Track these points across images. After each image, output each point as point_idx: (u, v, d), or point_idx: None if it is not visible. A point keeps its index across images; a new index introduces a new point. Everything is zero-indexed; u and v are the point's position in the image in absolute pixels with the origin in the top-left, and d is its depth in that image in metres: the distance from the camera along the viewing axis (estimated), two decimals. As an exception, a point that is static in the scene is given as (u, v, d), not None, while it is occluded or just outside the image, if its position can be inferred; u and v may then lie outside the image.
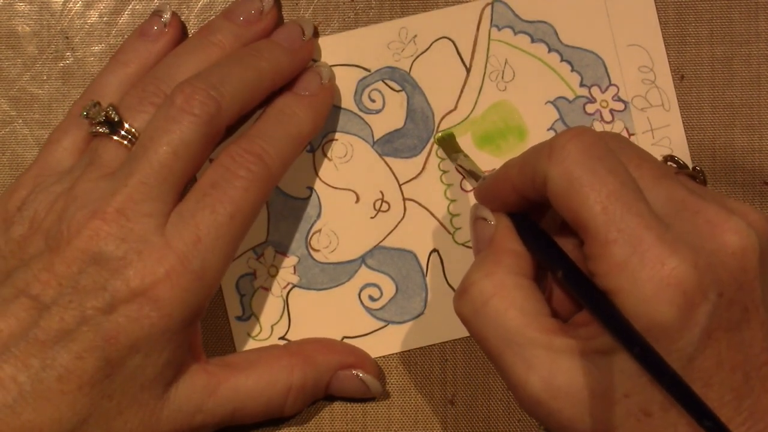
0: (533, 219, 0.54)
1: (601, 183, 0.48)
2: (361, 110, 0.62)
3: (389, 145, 0.61)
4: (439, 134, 0.61)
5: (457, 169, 0.61)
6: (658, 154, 0.60)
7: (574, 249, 0.52)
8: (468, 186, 0.61)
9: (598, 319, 0.48)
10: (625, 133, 0.61)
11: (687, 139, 0.61)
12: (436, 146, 0.61)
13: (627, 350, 0.47)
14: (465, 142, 0.61)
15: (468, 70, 0.62)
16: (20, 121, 0.62)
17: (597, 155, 0.49)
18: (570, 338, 0.49)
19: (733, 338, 0.48)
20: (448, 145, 0.61)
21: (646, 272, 0.47)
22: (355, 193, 0.61)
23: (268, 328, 0.61)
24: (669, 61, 0.61)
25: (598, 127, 0.61)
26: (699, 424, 0.45)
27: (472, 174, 0.59)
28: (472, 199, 0.61)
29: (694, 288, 0.47)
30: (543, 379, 0.49)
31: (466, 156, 0.61)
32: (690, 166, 0.60)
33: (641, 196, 0.49)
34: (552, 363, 0.49)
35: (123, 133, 0.55)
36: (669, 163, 0.58)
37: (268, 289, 0.61)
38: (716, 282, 0.47)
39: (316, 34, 0.61)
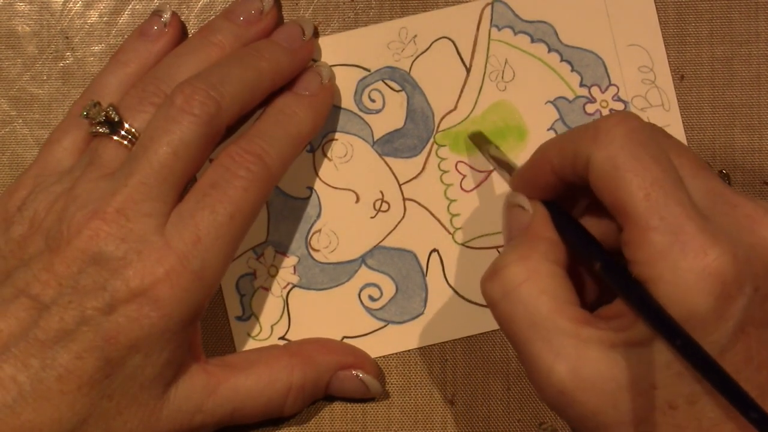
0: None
1: (645, 169, 0.48)
2: (361, 110, 0.62)
3: (389, 145, 0.61)
4: (468, 135, 0.61)
5: (489, 161, 0.61)
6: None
7: (603, 238, 0.52)
8: (468, 186, 0.61)
9: (636, 310, 0.48)
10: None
11: (687, 139, 0.61)
12: (436, 146, 0.61)
13: (667, 342, 0.47)
14: (464, 142, 0.61)
15: (468, 70, 0.62)
16: (20, 121, 0.62)
17: (641, 141, 0.49)
18: (599, 329, 0.49)
19: (763, 335, 0.48)
20: (479, 139, 0.61)
21: (687, 261, 0.47)
22: (355, 193, 0.61)
23: (268, 328, 0.61)
24: (669, 61, 0.61)
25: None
26: (744, 415, 0.45)
27: (504, 165, 0.59)
28: (471, 199, 0.61)
29: (732, 280, 0.47)
30: (570, 368, 0.49)
31: (497, 147, 0.60)
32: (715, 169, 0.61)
33: (683, 185, 0.49)
34: (579, 353, 0.49)
35: (123, 133, 0.55)
36: None
37: (268, 289, 0.61)
38: (753, 276, 0.48)
39: (316, 34, 0.61)
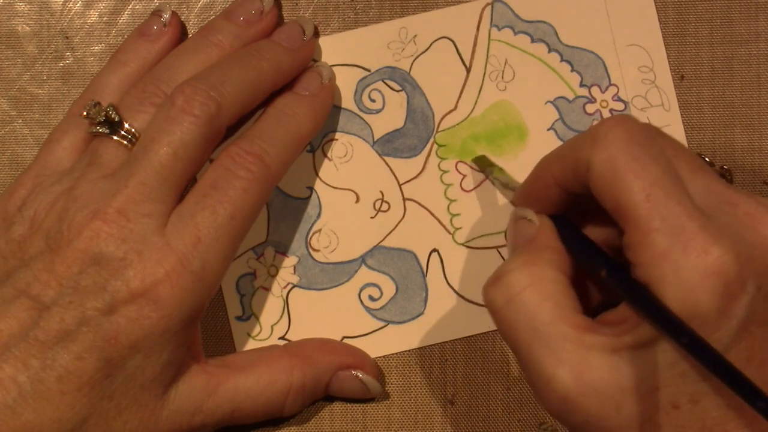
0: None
1: (644, 170, 0.48)
2: (361, 110, 0.62)
3: (389, 145, 0.61)
4: (472, 159, 0.61)
5: (494, 184, 0.61)
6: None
7: (604, 246, 0.53)
8: (468, 186, 0.61)
9: (640, 312, 0.48)
10: (625, 133, 0.61)
11: (687, 139, 0.61)
12: (436, 146, 0.61)
13: (673, 340, 0.47)
14: (464, 141, 0.61)
15: (468, 70, 0.62)
16: (20, 121, 0.62)
17: (640, 142, 0.49)
18: (601, 335, 0.49)
19: (766, 333, 0.48)
20: (483, 161, 0.61)
21: (690, 261, 0.47)
22: (355, 193, 0.61)
23: (268, 328, 0.61)
24: (669, 61, 0.61)
25: (598, 127, 0.61)
26: (753, 406, 0.45)
27: (507, 186, 0.59)
28: (471, 199, 0.61)
29: (735, 278, 0.47)
30: (572, 374, 0.49)
31: (501, 169, 0.61)
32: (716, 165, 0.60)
33: (683, 185, 0.49)
34: (582, 359, 0.49)
35: (123, 133, 0.55)
36: None
37: (268, 289, 0.61)
38: (756, 275, 0.47)
39: (316, 34, 0.61)
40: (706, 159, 0.60)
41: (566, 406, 0.49)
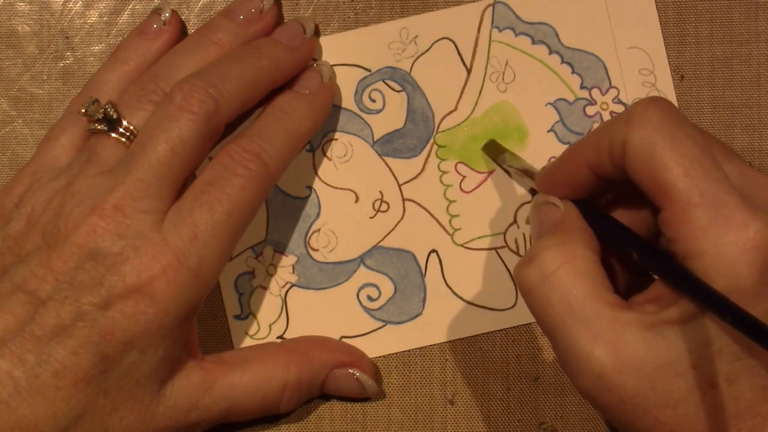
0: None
1: (683, 147, 0.49)
2: (361, 110, 0.61)
3: (389, 145, 0.61)
4: (483, 146, 0.61)
5: (507, 171, 0.61)
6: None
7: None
8: (468, 187, 0.61)
9: (681, 288, 0.48)
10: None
11: (687, 139, 0.61)
12: (436, 147, 0.61)
13: (715, 314, 0.47)
14: (464, 143, 0.61)
15: (468, 71, 0.62)
16: (20, 121, 0.62)
17: (676, 122, 0.49)
18: (636, 312, 0.49)
19: None
20: (493, 149, 0.61)
21: (730, 235, 0.47)
22: (354, 192, 0.61)
23: (266, 327, 0.61)
24: (669, 61, 0.61)
25: (599, 129, 0.61)
26: None
27: (525, 172, 0.59)
28: (471, 200, 0.61)
29: None
30: (609, 351, 0.49)
31: (513, 155, 0.60)
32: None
33: (719, 164, 0.49)
34: (618, 336, 0.49)
35: (121, 130, 0.55)
36: None
37: (266, 288, 0.61)
38: None
39: (317, 33, 0.61)
40: None
41: (601, 384, 0.49)
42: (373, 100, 0.62)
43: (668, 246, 0.49)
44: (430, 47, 0.62)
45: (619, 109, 0.61)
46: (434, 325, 0.61)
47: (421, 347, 0.61)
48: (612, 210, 0.55)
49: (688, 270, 0.48)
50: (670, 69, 0.61)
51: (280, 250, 0.61)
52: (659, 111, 0.50)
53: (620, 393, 0.49)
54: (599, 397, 0.49)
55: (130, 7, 0.62)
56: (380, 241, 0.61)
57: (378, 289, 0.61)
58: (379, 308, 0.61)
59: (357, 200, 0.61)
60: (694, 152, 0.49)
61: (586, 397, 0.50)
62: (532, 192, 0.58)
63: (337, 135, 0.62)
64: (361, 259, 0.61)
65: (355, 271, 0.61)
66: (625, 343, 0.48)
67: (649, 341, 0.48)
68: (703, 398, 0.48)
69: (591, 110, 0.61)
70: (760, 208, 0.48)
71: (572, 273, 0.50)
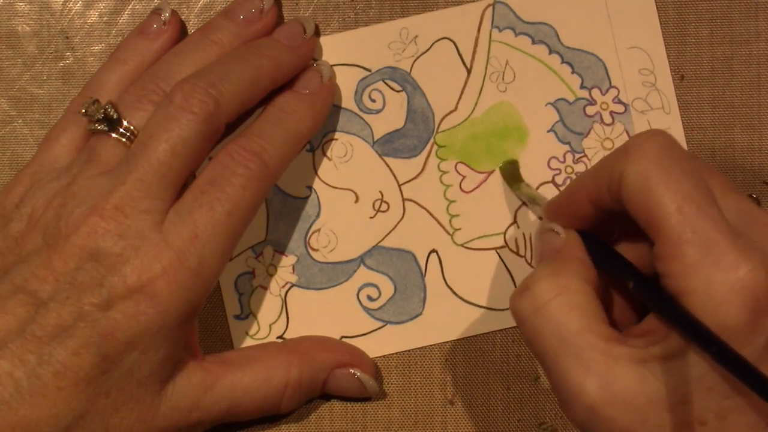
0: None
1: (677, 183, 0.48)
2: (361, 110, 0.61)
3: (389, 145, 0.61)
4: (503, 164, 0.61)
5: (519, 197, 0.61)
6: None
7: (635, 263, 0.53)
8: (468, 187, 0.61)
9: (670, 322, 0.48)
10: (625, 136, 0.61)
11: (687, 139, 0.61)
12: (436, 147, 0.61)
13: (703, 349, 0.47)
14: (464, 142, 0.61)
15: (468, 71, 0.62)
16: (20, 121, 0.62)
17: (673, 157, 0.49)
18: (629, 346, 0.49)
19: None
20: (510, 174, 0.61)
21: (721, 275, 0.47)
22: (354, 192, 0.61)
23: (266, 327, 0.61)
24: (669, 61, 0.61)
25: (598, 129, 0.61)
26: None
27: (533, 201, 0.59)
28: (471, 200, 0.61)
29: (765, 294, 0.47)
30: (600, 384, 0.48)
31: (528, 185, 0.60)
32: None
33: (714, 201, 0.49)
34: (609, 369, 0.48)
35: (121, 130, 0.55)
36: None
37: (266, 288, 0.61)
38: None
39: (317, 33, 0.61)
40: None
41: (592, 417, 0.49)
42: (373, 100, 0.62)
43: (661, 281, 0.49)
44: (430, 47, 0.62)
45: (619, 109, 0.61)
46: (434, 325, 0.61)
47: (421, 347, 0.61)
48: (618, 243, 0.55)
49: (678, 304, 0.48)
50: (670, 69, 0.61)
51: (280, 250, 0.61)
52: (656, 144, 0.49)
53: (611, 426, 0.49)
54: (591, 428, 0.49)
55: (130, 7, 0.62)
56: (380, 241, 0.61)
57: (378, 289, 0.61)
58: (379, 308, 0.61)
59: (357, 200, 0.61)
60: (688, 188, 0.48)
61: (578, 428, 0.50)
62: (541, 219, 0.58)
63: (337, 135, 0.62)
64: (361, 259, 0.61)
65: (355, 271, 0.61)
66: (617, 376, 0.48)
67: (640, 376, 0.48)
68: None
69: (591, 110, 0.61)
70: (753, 248, 0.48)
71: (565, 305, 0.50)
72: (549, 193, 0.61)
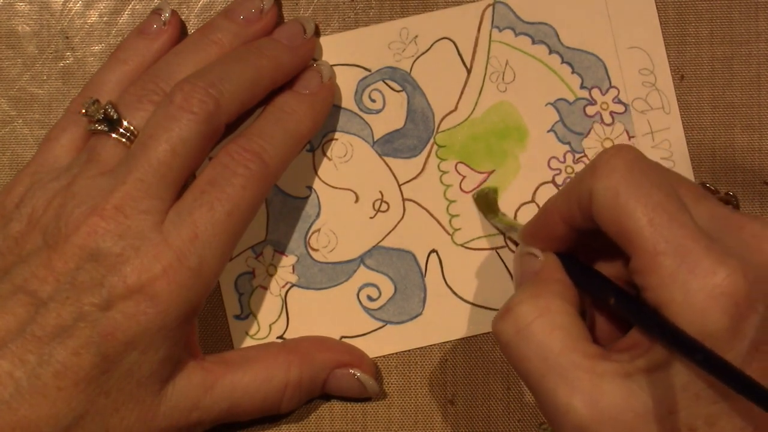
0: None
1: (646, 195, 0.48)
2: (361, 110, 0.61)
3: (389, 145, 0.61)
4: (476, 193, 0.61)
5: (495, 227, 0.61)
6: (658, 157, 0.60)
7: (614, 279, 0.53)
8: (468, 187, 0.61)
9: (653, 334, 0.48)
10: (625, 136, 0.61)
11: (687, 139, 0.61)
12: (436, 147, 0.61)
13: (687, 358, 0.47)
14: (464, 142, 0.61)
15: (468, 71, 0.62)
16: (20, 121, 0.62)
17: (641, 169, 0.49)
18: (613, 362, 0.49)
19: None
20: (486, 204, 0.61)
21: (697, 282, 0.47)
22: (354, 192, 0.61)
23: (266, 327, 0.61)
24: (669, 61, 0.61)
25: (598, 129, 0.61)
26: None
27: (512, 229, 0.60)
28: (471, 201, 0.61)
29: (744, 298, 0.47)
30: (587, 402, 0.48)
31: (503, 215, 0.61)
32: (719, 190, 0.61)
33: (686, 209, 0.49)
34: (595, 386, 0.48)
35: (121, 130, 0.55)
36: None
37: (266, 288, 0.61)
38: (764, 295, 0.47)
39: (317, 33, 0.61)
40: (712, 186, 0.60)
41: None
42: (373, 100, 0.62)
43: (642, 294, 0.49)
44: (430, 47, 0.62)
45: (620, 109, 0.61)
46: (434, 325, 0.61)
47: (421, 347, 0.61)
48: (597, 260, 0.55)
49: (660, 315, 0.48)
50: (670, 69, 0.61)
51: (280, 250, 0.61)
52: (623, 159, 0.49)
53: None
54: None
55: (130, 7, 0.62)
56: (380, 241, 0.61)
57: (378, 289, 0.61)
58: (379, 308, 0.61)
59: (357, 200, 0.61)
60: (658, 198, 0.48)
61: None
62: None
63: (337, 135, 0.62)
64: (361, 259, 0.61)
65: (355, 271, 0.61)
66: (603, 393, 0.48)
67: (626, 390, 0.48)
68: None
69: (591, 110, 0.61)
70: (728, 252, 0.47)
71: (547, 326, 0.50)
72: (549, 193, 0.61)
